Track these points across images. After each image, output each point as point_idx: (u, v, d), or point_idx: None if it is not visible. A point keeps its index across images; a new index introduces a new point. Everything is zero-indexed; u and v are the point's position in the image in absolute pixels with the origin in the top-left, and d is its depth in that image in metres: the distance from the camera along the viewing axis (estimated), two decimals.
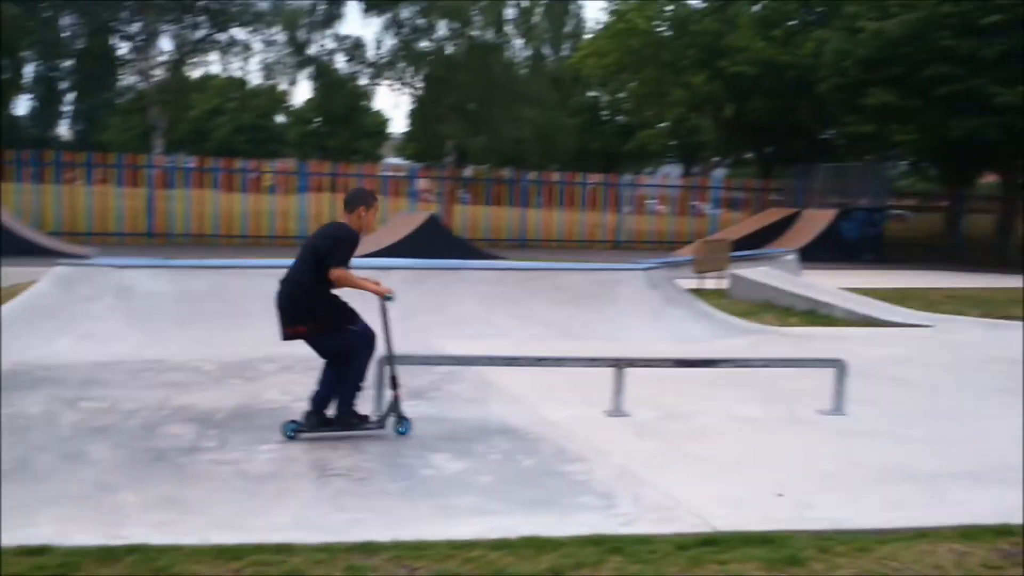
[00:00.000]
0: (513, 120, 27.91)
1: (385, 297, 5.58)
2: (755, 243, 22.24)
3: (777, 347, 9.59)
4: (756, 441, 6.03)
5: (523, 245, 27.52)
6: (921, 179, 41.57)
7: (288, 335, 5.53)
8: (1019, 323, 12.35)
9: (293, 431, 5.58)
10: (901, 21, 23.24)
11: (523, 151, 31.86)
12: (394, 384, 5.70)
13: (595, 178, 31.83)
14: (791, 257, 17.35)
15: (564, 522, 4.37)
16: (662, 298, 10.65)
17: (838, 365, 6.82)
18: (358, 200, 5.64)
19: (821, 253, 21.94)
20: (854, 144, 30.00)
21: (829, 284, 14.37)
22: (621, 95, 42.01)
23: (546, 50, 32.57)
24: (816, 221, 25.07)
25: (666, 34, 30.85)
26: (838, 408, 6.75)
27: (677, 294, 11.09)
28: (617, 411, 6.48)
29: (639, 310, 10.25)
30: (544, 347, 8.03)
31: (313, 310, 5.47)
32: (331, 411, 5.66)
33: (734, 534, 4.28)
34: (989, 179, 35.97)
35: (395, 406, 5.72)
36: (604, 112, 49.51)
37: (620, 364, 6.58)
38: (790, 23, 30.11)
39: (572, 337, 9.34)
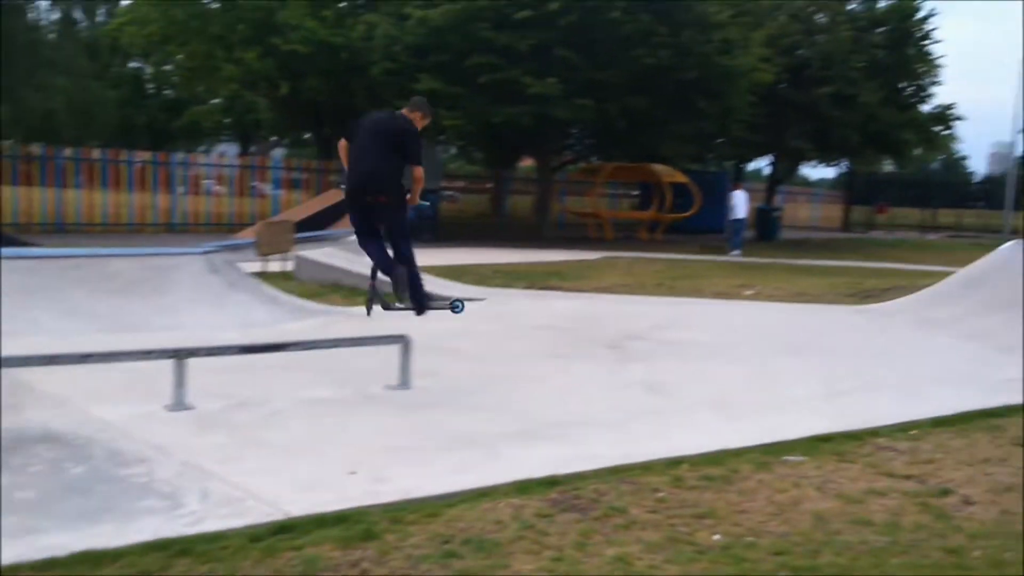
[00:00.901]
0: (41, 89, 24.88)
1: (419, 205, 7.13)
2: (318, 224, 22.25)
3: (345, 327, 9.69)
4: (328, 422, 6.02)
5: (61, 230, 24.80)
6: (468, 162, 44.77)
7: (369, 203, 6.76)
8: (556, 292, 13.80)
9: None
10: (444, 11, 24.53)
11: (56, 124, 28.60)
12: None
13: (143, 156, 29.66)
14: (354, 238, 17.64)
15: (123, 531, 3.98)
16: (224, 283, 10.24)
17: (403, 341, 7.07)
18: (422, 106, 6.90)
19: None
20: None
21: None
22: (167, 68, 39.55)
23: (78, 14, 29.54)
24: None
25: (214, 6, 29.53)
26: (404, 383, 6.99)
27: (240, 278, 10.75)
28: (179, 405, 6.07)
29: (200, 297, 9.75)
30: (92, 342, 7.28)
31: (395, 184, 6.70)
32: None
33: (308, 518, 4.22)
34: (527, 163, 39.81)
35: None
36: (150, 85, 46.39)
37: (180, 355, 6.17)
38: (340, 4, 30.39)
39: (125, 329, 8.60)
